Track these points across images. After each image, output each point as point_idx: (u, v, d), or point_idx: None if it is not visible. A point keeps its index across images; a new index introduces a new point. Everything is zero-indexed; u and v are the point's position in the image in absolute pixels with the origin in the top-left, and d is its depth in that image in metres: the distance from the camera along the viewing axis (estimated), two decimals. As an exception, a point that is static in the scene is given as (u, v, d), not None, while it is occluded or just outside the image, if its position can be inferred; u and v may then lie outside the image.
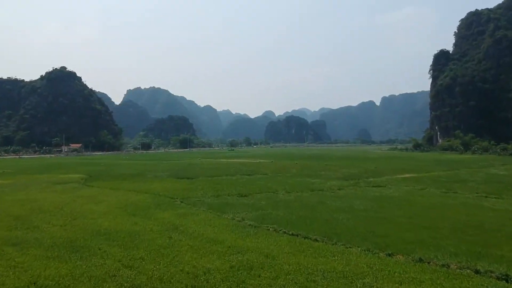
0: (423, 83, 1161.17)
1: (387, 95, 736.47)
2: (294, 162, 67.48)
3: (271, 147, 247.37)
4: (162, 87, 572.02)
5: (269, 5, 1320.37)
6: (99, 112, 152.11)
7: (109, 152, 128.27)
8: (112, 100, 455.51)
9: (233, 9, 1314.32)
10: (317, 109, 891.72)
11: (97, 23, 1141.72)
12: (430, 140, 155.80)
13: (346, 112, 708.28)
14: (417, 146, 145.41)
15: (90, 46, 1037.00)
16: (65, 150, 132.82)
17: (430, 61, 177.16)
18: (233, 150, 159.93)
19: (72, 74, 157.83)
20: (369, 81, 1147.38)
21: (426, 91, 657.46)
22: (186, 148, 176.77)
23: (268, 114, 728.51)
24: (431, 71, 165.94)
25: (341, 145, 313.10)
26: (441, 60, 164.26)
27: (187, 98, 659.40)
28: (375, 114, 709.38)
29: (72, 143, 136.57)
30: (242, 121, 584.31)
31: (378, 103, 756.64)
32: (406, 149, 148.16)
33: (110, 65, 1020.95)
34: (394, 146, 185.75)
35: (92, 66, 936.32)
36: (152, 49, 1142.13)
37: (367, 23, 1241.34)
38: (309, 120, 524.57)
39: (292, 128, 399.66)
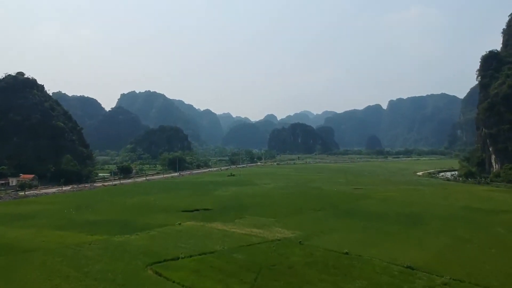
0: (431, 86, 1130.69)
1: (394, 99, 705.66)
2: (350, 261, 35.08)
3: (277, 164, 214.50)
4: (158, 91, 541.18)
5: (270, 5, 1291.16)
6: (62, 130, 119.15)
7: (68, 188, 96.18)
8: (102, 106, 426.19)
9: (234, 10, 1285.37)
10: (320, 112, 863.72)
11: (92, 24, 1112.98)
12: (480, 165, 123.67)
13: (351, 116, 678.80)
14: (469, 175, 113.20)
15: (84, 47, 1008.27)
16: (13, 183, 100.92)
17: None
18: (234, 175, 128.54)
19: (31, 82, 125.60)
20: (374, 83, 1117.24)
21: (437, 95, 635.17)
22: (176, 172, 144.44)
23: (270, 118, 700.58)
24: (479, 77, 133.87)
25: (357, 158, 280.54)
26: (491, 63, 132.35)
27: (185, 102, 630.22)
28: (382, 118, 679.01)
29: (24, 174, 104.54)
30: (243, 127, 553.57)
31: (384, 107, 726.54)
32: (455, 178, 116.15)
33: (103, 68, 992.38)
34: (432, 170, 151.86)
35: (85, 69, 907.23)
36: (149, 50, 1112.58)
37: (371, 23, 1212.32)
38: (313, 124, 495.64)
39: (298, 136, 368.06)
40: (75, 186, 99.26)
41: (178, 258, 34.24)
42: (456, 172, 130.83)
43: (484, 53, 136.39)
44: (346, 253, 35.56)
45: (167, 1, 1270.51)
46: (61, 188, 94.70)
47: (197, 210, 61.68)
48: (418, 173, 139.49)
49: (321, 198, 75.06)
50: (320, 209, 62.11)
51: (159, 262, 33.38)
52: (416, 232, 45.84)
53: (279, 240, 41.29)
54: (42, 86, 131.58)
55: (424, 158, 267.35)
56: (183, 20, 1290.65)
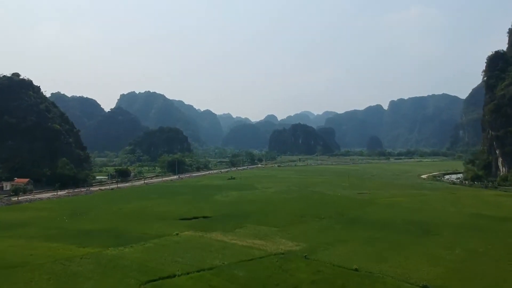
0: (432, 86, 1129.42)
1: (395, 99, 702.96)
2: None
3: (278, 166, 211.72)
4: (158, 91, 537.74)
5: (270, 5, 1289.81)
6: (58, 133, 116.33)
7: (63, 192, 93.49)
8: (101, 106, 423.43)
9: (234, 10, 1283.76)
10: (320, 113, 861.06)
11: (92, 24, 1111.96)
12: (487, 168, 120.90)
13: (352, 116, 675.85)
14: (476, 178, 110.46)
15: (84, 47, 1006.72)
16: (7, 188, 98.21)
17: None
18: (234, 178, 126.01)
19: (26, 83, 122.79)
20: (375, 84, 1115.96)
21: (438, 95, 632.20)
22: (175, 175, 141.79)
23: (270, 119, 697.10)
24: (486, 78, 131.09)
25: (358, 159, 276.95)
26: (498, 63, 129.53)
27: (185, 102, 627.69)
28: (383, 119, 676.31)
29: (18, 177, 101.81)
30: (243, 127, 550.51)
31: (385, 107, 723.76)
32: (461, 182, 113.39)
33: (103, 68, 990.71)
34: (437, 173, 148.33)
35: (85, 70, 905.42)
36: (149, 50, 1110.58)
37: (371, 23, 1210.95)
38: (313, 125, 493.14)
39: (299, 137, 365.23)
40: (71, 190, 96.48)
41: (174, 276, 31.52)
42: (462, 175, 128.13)
43: (485, 53, 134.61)
44: (356, 269, 32.88)
45: (167, 1, 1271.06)
46: (56, 193, 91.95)
47: (196, 218, 58.79)
48: (422, 176, 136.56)
49: (324, 204, 72.32)
50: (325, 216, 59.23)
51: (154, 280, 30.74)
52: (427, 244, 43.11)
53: (282, 253, 38.43)
54: (38, 87, 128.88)
55: (426, 160, 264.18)
56: (183, 20, 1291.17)
